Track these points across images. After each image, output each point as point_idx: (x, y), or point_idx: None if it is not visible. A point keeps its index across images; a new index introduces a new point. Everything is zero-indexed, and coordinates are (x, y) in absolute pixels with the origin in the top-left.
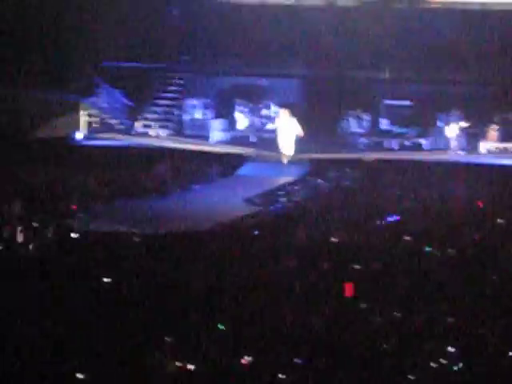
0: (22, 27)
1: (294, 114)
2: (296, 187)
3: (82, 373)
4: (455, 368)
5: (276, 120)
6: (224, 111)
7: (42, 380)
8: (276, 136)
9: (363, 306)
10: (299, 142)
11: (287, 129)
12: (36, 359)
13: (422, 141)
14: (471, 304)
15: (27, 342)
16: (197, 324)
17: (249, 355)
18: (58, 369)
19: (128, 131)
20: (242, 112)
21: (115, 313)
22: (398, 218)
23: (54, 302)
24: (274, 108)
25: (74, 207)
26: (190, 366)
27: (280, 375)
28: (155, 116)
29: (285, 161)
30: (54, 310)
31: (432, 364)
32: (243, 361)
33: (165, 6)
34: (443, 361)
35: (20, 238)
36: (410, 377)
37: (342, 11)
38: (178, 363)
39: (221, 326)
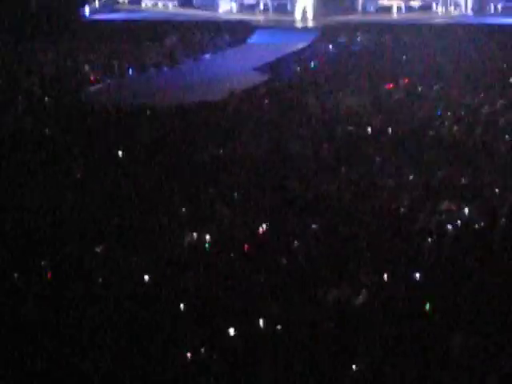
0: None
1: None
2: (306, 53)
3: None
4: None
5: None
6: None
7: None
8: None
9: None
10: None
11: None
12: None
13: (432, 3)
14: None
15: None
16: (210, 195)
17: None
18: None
19: (136, 4)
20: None
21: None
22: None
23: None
24: None
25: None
26: (207, 237)
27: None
28: None
29: (299, 25)
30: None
31: None
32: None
33: None
34: None
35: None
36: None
37: None
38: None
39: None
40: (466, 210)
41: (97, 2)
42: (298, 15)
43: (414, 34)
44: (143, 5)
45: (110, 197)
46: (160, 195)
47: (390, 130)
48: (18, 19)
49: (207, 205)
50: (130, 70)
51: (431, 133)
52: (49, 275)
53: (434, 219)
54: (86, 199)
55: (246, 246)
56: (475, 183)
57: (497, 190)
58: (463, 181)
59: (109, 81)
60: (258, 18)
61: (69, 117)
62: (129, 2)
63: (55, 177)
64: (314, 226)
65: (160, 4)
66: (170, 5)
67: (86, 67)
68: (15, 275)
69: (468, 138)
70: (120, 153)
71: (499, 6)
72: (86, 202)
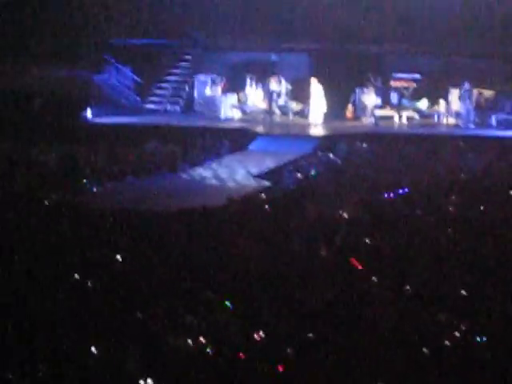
0: (32, 4)
1: (304, 88)
2: (307, 162)
3: None
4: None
5: (310, 88)
6: (234, 87)
7: None
8: (287, 110)
9: (375, 280)
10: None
11: (318, 97)
12: None
13: (433, 114)
14: (486, 275)
15: None
16: (208, 301)
17: (261, 330)
18: None
19: (138, 108)
20: (252, 87)
21: (125, 292)
22: (407, 190)
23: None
24: (284, 83)
25: (84, 184)
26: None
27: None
28: (165, 93)
29: (308, 132)
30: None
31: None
32: (256, 336)
33: None
34: (457, 334)
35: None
36: (424, 350)
37: None
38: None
39: (228, 304)
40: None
41: (96, 105)
42: (299, 124)
43: (415, 144)
44: (147, 107)
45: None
46: (157, 300)
47: (388, 242)
48: (20, 119)
49: (204, 309)
50: (129, 175)
51: (429, 246)
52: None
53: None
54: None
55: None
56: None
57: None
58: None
59: (108, 185)
60: (260, 125)
61: (68, 220)
62: (130, 107)
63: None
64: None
65: (161, 109)
66: (171, 109)
67: (87, 170)
68: None
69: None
70: (118, 257)
71: (501, 119)
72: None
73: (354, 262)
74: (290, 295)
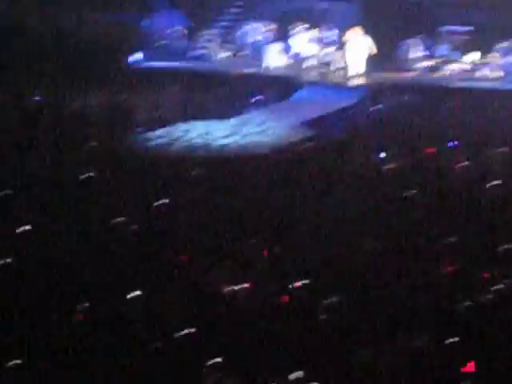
0: None
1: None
2: (353, 112)
3: None
4: None
5: (343, 38)
6: (283, 34)
7: None
8: (337, 58)
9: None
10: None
11: (358, 47)
12: None
13: (482, 68)
14: None
15: None
16: (253, 247)
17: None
18: None
19: (186, 53)
20: (301, 35)
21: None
22: (456, 143)
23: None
24: (333, 31)
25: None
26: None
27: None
28: (215, 38)
29: (353, 82)
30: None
31: None
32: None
33: None
34: None
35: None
36: None
37: None
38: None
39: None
40: None
41: (144, 50)
42: (346, 72)
43: (465, 97)
44: (192, 54)
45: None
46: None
47: (433, 192)
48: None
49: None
50: (176, 121)
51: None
52: None
53: None
54: None
55: None
56: None
57: None
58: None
59: (156, 130)
60: (306, 73)
61: (118, 162)
62: (178, 51)
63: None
64: None
65: (210, 53)
66: (219, 55)
67: (135, 116)
68: None
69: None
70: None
71: None
72: None
73: None
74: (336, 246)
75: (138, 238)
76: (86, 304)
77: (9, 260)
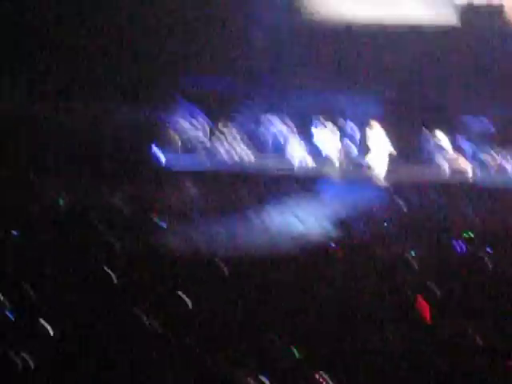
0: (105, 44)
1: (373, 133)
2: (378, 210)
3: None
4: None
5: (367, 135)
6: (305, 130)
7: None
8: (358, 155)
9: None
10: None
11: (379, 142)
12: None
13: (507, 165)
14: None
15: None
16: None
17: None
18: None
19: (208, 151)
20: (322, 130)
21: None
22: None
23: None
24: (353, 126)
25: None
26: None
27: None
28: (234, 134)
29: (375, 180)
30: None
31: None
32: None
33: (248, 23)
34: None
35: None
36: None
37: (423, 35)
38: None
39: (295, 351)
40: None
41: (167, 147)
42: (369, 169)
43: (487, 198)
44: (213, 151)
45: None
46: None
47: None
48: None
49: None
50: (199, 218)
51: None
52: None
53: None
54: None
55: None
56: None
57: None
58: None
59: (178, 227)
60: (329, 169)
61: (139, 263)
62: (200, 149)
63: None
64: None
65: (231, 151)
66: (240, 152)
67: (154, 212)
68: None
69: None
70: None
71: None
72: None
73: (423, 305)
74: (362, 343)
75: None
76: None
77: None
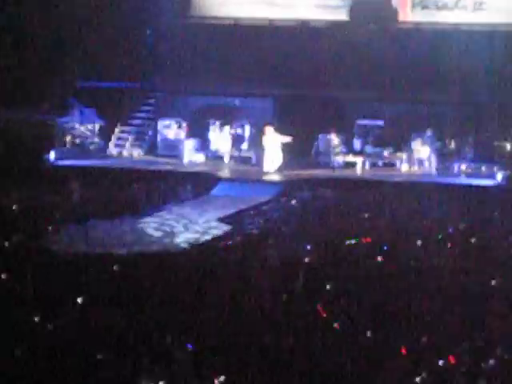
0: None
1: (265, 134)
2: (269, 207)
3: None
4: None
5: (262, 137)
6: (197, 131)
7: None
8: (249, 155)
9: (336, 326)
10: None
11: (272, 144)
12: None
13: (396, 161)
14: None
15: None
16: (170, 345)
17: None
18: None
19: (101, 151)
20: (214, 132)
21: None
22: (369, 239)
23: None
24: (246, 127)
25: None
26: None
27: None
28: (128, 136)
29: (267, 177)
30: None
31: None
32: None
33: (140, 26)
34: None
35: None
36: None
37: (314, 32)
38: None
39: (190, 347)
40: None
41: (59, 148)
42: (262, 168)
43: (378, 191)
44: (107, 152)
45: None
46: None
47: (348, 286)
48: None
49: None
50: (91, 218)
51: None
52: None
53: None
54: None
55: None
56: None
57: None
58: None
59: (71, 228)
60: (222, 169)
61: (28, 262)
62: (93, 149)
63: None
64: None
65: (125, 152)
66: (134, 152)
67: (49, 214)
68: None
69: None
70: (79, 300)
71: (464, 167)
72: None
73: (319, 309)
74: (254, 343)
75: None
76: None
77: None
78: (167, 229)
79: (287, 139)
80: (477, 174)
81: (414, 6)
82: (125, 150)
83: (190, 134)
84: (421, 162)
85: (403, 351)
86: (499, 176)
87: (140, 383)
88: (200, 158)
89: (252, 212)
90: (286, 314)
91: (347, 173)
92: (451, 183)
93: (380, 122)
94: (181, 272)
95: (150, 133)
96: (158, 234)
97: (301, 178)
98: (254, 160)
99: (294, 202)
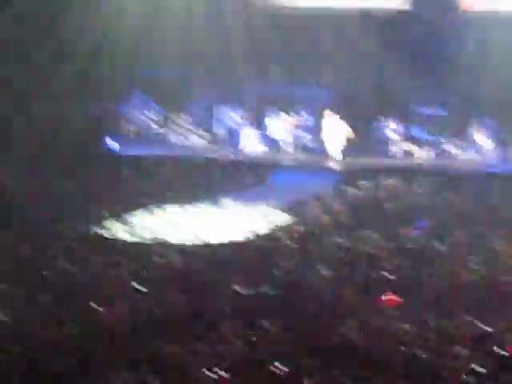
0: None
1: (325, 122)
2: (329, 196)
3: None
4: None
5: (322, 123)
6: (257, 119)
7: None
8: (309, 144)
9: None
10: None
11: (333, 132)
12: None
13: (456, 150)
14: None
15: None
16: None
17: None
18: None
19: (161, 140)
20: (274, 119)
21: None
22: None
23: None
24: (307, 117)
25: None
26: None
27: None
28: (188, 124)
29: (332, 166)
30: None
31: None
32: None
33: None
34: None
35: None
36: None
37: (375, 20)
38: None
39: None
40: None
41: (121, 137)
42: (321, 157)
43: (438, 181)
44: (167, 141)
45: None
46: None
47: (407, 274)
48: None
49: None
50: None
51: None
52: None
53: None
54: None
55: None
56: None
57: None
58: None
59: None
60: (281, 157)
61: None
62: (153, 138)
63: None
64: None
65: (185, 141)
66: (194, 141)
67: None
68: None
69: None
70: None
71: None
72: None
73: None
74: (314, 331)
75: None
76: None
77: None
78: (226, 217)
79: (346, 131)
80: None
81: None
82: (185, 138)
83: (250, 122)
84: (480, 151)
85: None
86: None
87: None
88: (259, 146)
89: (313, 201)
90: (346, 302)
91: (407, 161)
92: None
93: (441, 110)
94: (242, 260)
95: (210, 121)
96: (218, 222)
97: (361, 166)
98: (313, 148)
99: (354, 190)
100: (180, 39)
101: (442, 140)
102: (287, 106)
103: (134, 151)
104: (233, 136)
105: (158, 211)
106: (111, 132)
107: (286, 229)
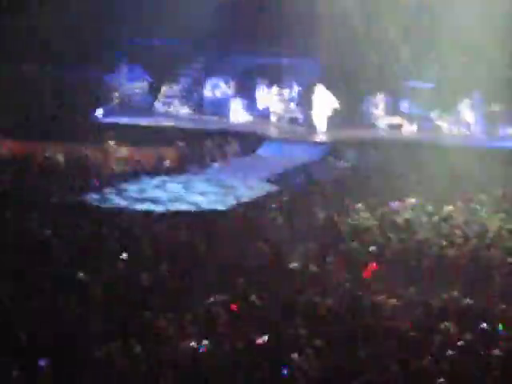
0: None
1: (313, 94)
2: (316, 167)
3: None
4: None
5: (310, 95)
6: (245, 90)
7: None
8: (296, 116)
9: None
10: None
11: (320, 103)
12: None
13: (443, 123)
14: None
15: None
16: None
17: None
18: None
19: (148, 109)
20: (262, 91)
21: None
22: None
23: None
24: (294, 87)
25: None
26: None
27: None
28: (176, 94)
29: (316, 138)
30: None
31: None
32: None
33: None
34: None
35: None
36: None
37: None
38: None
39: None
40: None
41: (107, 104)
42: (308, 129)
43: (423, 152)
44: (154, 109)
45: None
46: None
47: (393, 247)
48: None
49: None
50: (137, 176)
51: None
52: None
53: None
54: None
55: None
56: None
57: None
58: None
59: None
60: (269, 129)
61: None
62: (140, 107)
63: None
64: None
65: (172, 109)
66: (181, 110)
67: (96, 170)
68: None
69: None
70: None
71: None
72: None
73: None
74: (296, 300)
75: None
76: None
77: None
78: (213, 186)
79: (334, 103)
80: None
81: None
82: (172, 107)
83: (238, 93)
84: (467, 125)
85: None
86: None
87: None
88: (247, 117)
89: (299, 172)
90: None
91: (393, 134)
92: (497, 146)
93: (428, 84)
94: (228, 228)
95: (198, 91)
96: (204, 191)
97: (347, 138)
98: (301, 120)
99: (340, 162)
100: (169, 8)
101: (430, 114)
102: (276, 78)
103: (119, 119)
104: (221, 107)
105: (145, 180)
106: (97, 99)
107: (273, 199)
